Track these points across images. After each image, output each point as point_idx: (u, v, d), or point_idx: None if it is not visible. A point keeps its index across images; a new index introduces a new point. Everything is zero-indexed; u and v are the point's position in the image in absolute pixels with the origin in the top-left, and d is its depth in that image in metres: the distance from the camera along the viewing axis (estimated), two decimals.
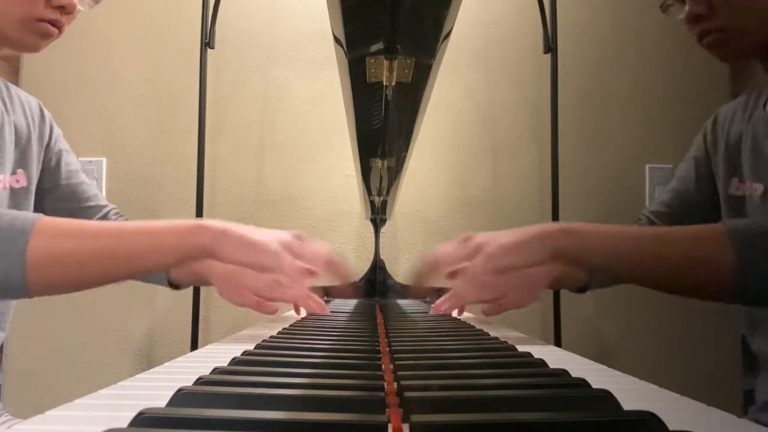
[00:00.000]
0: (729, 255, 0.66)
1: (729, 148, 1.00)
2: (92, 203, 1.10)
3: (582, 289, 1.03)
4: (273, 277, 0.90)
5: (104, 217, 1.12)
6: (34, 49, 0.90)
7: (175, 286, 1.04)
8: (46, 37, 0.89)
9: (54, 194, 1.06)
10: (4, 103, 0.98)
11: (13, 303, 1.03)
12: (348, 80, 0.71)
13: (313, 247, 0.78)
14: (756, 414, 0.97)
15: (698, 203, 1.07)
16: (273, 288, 0.91)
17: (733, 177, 0.99)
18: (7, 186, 0.97)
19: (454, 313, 1.01)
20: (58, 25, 0.89)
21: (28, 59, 1.86)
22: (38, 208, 1.04)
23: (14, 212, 0.69)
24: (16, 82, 1.87)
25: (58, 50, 1.87)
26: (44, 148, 1.05)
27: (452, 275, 0.89)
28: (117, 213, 1.15)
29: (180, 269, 1.01)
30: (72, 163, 1.10)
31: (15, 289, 0.66)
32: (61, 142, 1.09)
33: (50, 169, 1.06)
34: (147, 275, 0.90)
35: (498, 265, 0.71)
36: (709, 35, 0.87)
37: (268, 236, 0.73)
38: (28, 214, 0.69)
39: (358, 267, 1.83)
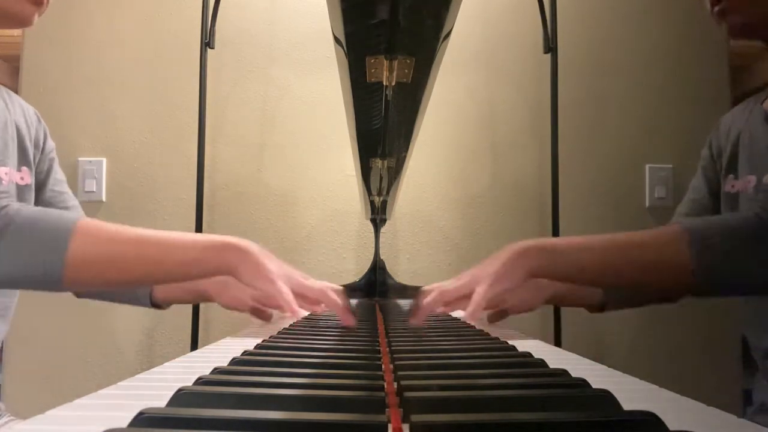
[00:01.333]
0: (687, 254, 0.70)
1: (729, 148, 1.02)
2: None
3: (600, 309, 1.04)
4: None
5: None
6: (28, 20, 0.91)
7: (157, 306, 1.06)
8: (39, 4, 0.90)
9: (38, 199, 1.08)
10: (5, 103, 0.99)
11: (16, 298, 1.04)
12: (348, 80, 0.71)
13: (311, 285, 0.81)
14: (753, 416, 0.97)
15: (714, 208, 1.08)
16: (267, 296, 0.93)
17: (729, 175, 1.00)
18: (14, 181, 0.98)
19: (454, 313, 1.01)
20: None
21: (28, 59, 1.86)
22: None
23: (57, 212, 0.76)
24: (16, 82, 1.87)
25: (58, 50, 1.88)
26: (40, 152, 1.07)
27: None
28: None
29: (171, 287, 1.04)
30: (59, 172, 1.12)
31: (51, 282, 0.71)
32: (53, 153, 1.11)
33: (42, 174, 1.08)
34: (175, 282, 0.92)
35: (493, 296, 0.75)
36: (720, 3, 0.88)
37: (278, 267, 0.77)
38: (70, 215, 0.75)
39: (358, 267, 1.83)
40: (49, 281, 0.71)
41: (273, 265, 0.77)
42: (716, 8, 0.90)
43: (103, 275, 0.74)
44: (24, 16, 0.90)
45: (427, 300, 0.78)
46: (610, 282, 0.79)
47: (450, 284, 0.79)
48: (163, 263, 0.75)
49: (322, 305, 0.86)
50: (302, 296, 0.80)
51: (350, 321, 0.80)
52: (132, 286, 0.78)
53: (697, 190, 1.12)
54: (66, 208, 1.11)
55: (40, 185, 1.08)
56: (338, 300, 0.80)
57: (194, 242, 0.77)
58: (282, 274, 0.77)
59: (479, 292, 0.73)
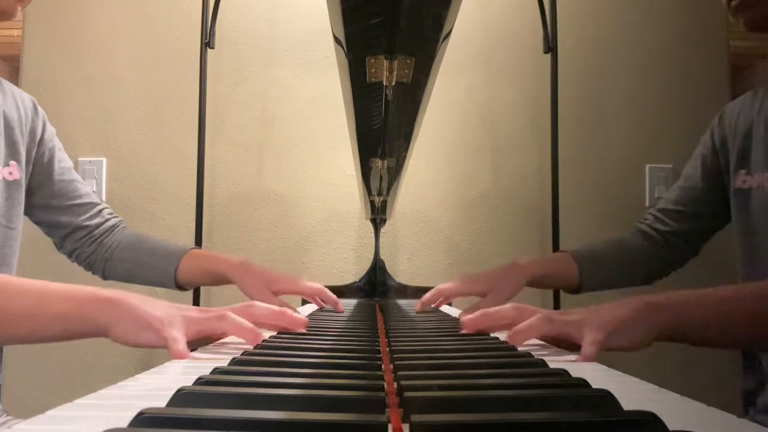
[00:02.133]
0: None
1: (737, 140, 1.00)
2: (84, 201, 1.11)
3: (575, 291, 1.04)
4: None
5: (98, 214, 1.12)
6: (11, 13, 0.90)
7: (181, 287, 1.07)
8: None
9: (45, 190, 1.07)
10: None
11: None
12: (348, 80, 0.71)
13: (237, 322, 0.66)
14: (755, 416, 0.96)
15: (706, 199, 1.07)
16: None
17: (741, 170, 0.99)
18: (1, 178, 0.96)
19: (454, 313, 1.01)
20: None
21: (28, 59, 1.86)
22: (28, 204, 1.04)
23: None
24: (16, 82, 1.87)
25: (58, 50, 1.88)
26: (37, 143, 1.04)
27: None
28: (111, 213, 1.16)
29: (194, 269, 1.06)
30: (65, 160, 1.10)
31: None
32: (54, 140, 1.09)
33: (42, 165, 1.06)
34: (37, 341, 0.75)
35: (606, 345, 0.62)
36: None
37: (166, 312, 0.64)
38: None
39: (358, 267, 1.83)
40: None
41: (159, 310, 0.63)
42: (733, 3, 0.89)
43: None
44: (6, 9, 0.90)
45: (524, 328, 0.65)
46: (729, 337, 0.69)
47: (546, 317, 0.65)
48: (36, 317, 0.65)
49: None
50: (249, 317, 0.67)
51: (252, 339, 0.65)
52: (13, 342, 0.68)
53: (691, 179, 1.10)
54: (79, 196, 1.10)
55: (45, 177, 1.06)
56: (243, 325, 0.65)
57: (45, 292, 0.65)
58: (176, 319, 0.63)
59: (590, 341, 0.60)
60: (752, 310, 0.66)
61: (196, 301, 1.68)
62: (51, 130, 1.08)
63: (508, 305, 0.72)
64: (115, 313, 0.63)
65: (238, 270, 1.05)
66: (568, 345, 0.65)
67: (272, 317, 0.72)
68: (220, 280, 1.08)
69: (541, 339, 0.69)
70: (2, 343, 0.68)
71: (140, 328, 0.61)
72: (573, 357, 0.61)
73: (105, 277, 1.14)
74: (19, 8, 0.91)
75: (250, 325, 0.65)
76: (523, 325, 0.65)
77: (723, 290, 0.68)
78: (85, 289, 0.65)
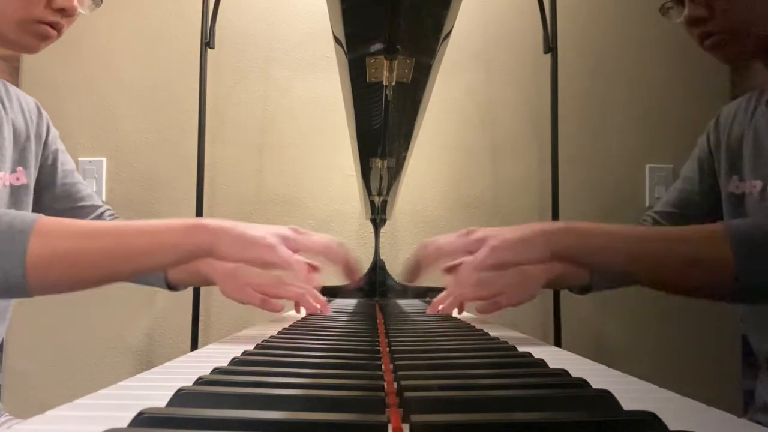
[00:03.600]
0: (728, 255, 0.66)
1: (730, 146, 1.01)
2: (87, 203, 1.11)
3: (584, 290, 1.03)
4: (276, 275, 0.89)
5: (98, 217, 1.12)
6: (33, 50, 0.90)
7: (172, 287, 1.04)
8: (45, 39, 0.89)
9: (49, 193, 1.07)
10: (2, 102, 0.98)
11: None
12: (348, 80, 0.71)
13: (311, 237, 0.76)
14: (755, 415, 0.97)
15: (702, 202, 1.07)
16: (276, 285, 0.91)
17: (733, 175, 0.99)
18: (8, 184, 0.97)
19: (454, 313, 1.01)
20: (57, 28, 0.89)
21: (28, 59, 1.86)
22: (35, 207, 1.05)
23: (14, 212, 0.69)
24: (16, 82, 1.87)
25: (58, 50, 1.87)
26: (42, 146, 1.05)
27: (450, 270, 0.89)
28: (111, 214, 1.16)
29: (179, 270, 1.01)
30: (67, 162, 1.10)
31: (15, 289, 0.66)
32: (57, 142, 1.09)
33: (47, 168, 1.06)
34: (147, 275, 0.89)
35: (500, 259, 0.70)
36: (710, 38, 0.87)
37: (265, 231, 0.72)
38: (27, 214, 0.69)
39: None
40: (13, 288, 0.66)
41: (257, 231, 0.70)
42: (706, 43, 0.89)
43: (72, 274, 0.69)
44: (31, 48, 0.90)
45: (424, 253, 0.73)
46: (643, 274, 0.72)
47: (453, 236, 0.73)
48: (134, 253, 0.69)
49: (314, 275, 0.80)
50: (301, 251, 0.75)
51: (356, 277, 0.74)
52: (107, 282, 0.72)
53: (688, 181, 1.10)
54: (81, 198, 1.09)
55: (49, 179, 1.06)
56: (343, 254, 0.75)
57: (165, 226, 0.70)
58: (268, 234, 0.71)
59: (486, 249, 0.67)
60: (668, 251, 0.69)
61: (195, 299, 1.68)
62: (54, 132, 1.09)
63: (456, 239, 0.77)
64: (214, 235, 0.69)
65: (221, 275, 0.98)
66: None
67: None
68: (206, 281, 1.06)
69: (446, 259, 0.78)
70: (123, 278, 0.76)
71: (241, 245, 0.69)
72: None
73: None
74: (42, 46, 0.90)
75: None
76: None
77: (635, 228, 0.73)
78: (182, 220, 0.71)
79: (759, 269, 0.66)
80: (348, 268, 0.77)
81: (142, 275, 0.86)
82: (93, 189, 1.81)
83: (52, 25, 0.88)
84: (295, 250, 0.74)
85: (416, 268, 0.75)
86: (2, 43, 0.90)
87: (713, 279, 0.69)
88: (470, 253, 0.71)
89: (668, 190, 1.15)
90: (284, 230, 0.74)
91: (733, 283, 0.67)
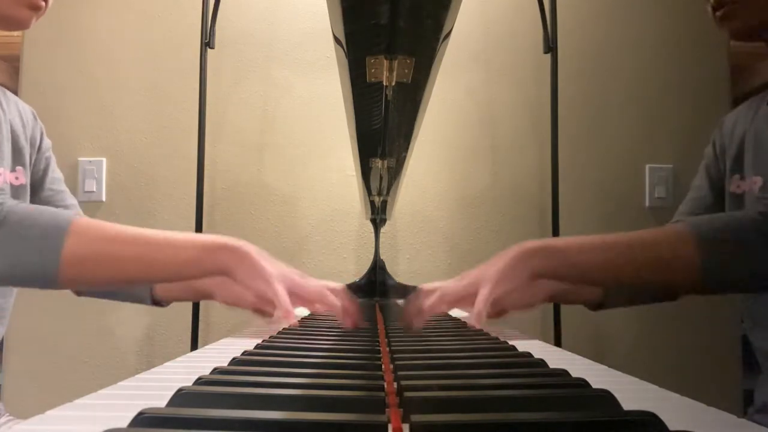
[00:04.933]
0: (693, 252, 0.70)
1: (732, 147, 1.01)
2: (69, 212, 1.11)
3: (598, 307, 1.04)
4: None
5: None
6: (25, 24, 0.91)
7: (157, 303, 1.04)
8: (36, 9, 0.90)
9: (35, 198, 1.08)
10: (0, 101, 0.99)
11: (12, 299, 1.04)
12: (348, 80, 0.71)
13: (306, 286, 0.79)
14: (754, 415, 0.97)
15: (716, 208, 1.08)
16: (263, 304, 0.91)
17: (735, 175, 1.00)
18: (8, 181, 0.98)
19: (453, 313, 1.01)
20: None
21: (28, 59, 1.86)
22: None
23: (53, 209, 0.75)
24: (16, 83, 1.87)
25: (58, 50, 1.88)
26: (36, 151, 1.07)
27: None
28: None
29: (174, 285, 1.03)
30: (56, 171, 1.12)
31: (47, 282, 0.71)
32: (50, 152, 1.11)
33: (38, 174, 1.08)
34: (171, 281, 0.89)
35: (497, 296, 0.73)
36: (723, 7, 0.88)
37: (277, 270, 0.76)
38: (64, 213, 0.75)
39: (358, 267, 1.83)
40: (44, 279, 0.71)
41: (269, 265, 0.75)
42: (718, 13, 0.90)
43: (99, 274, 0.74)
44: (21, 19, 0.91)
45: (429, 302, 0.77)
46: (615, 281, 0.78)
47: (452, 284, 0.78)
48: (158, 263, 0.74)
49: (319, 306, 0.84)
50: (299, 297, 0.79)
51: (349, 322, 0.78)
52: (128, 285, 0.77)
53: (699, 189, 1.11)
54: (64, 206, 1.10)
55: (37, 184, 1.08)
56: (336, 301, 0.79)
57: (191, 242, 0.76)
58: (278, 275, 0.75)
59: (483, 294, 0.72)
60: (637, 257, 0.74)
61: (195, 311, 1.68)
62: (47, 142, 1.11)
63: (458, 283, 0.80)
64: (238, 258, 0.74)
65: (223, 288, 0.98)
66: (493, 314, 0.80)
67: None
68: (202, 296, 1.05)
69: (449, 307, 0.80)
70: (131, 284, 0.85)
71: (255, 277, 0.73)
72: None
73: (78, 294, 1.05)
74: (35, 19, 0.91)
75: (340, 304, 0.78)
76: (424, 306, 0.75)
77: (614, 236, 0.76)
78: (209, 237, 0.77)
79: (720, 261, 0.71)
80: (344, 314, 0.80)
81: (165, 282, 0.89)
82: (93, 188, 1.82)
83: None
84: (291, 293, 0.77)
85: (420, 315, 0.77)
86: None
87: (680, 277, 0.73)
88: (470, 295, 0.74)
89: (683, 203, 1.16)
90: (290, 272, 0.78)
91: (697, 280, 0.71)
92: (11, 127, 1.00)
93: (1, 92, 1.02)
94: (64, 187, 1.13)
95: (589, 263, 0.74)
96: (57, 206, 1.10)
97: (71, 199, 1.13)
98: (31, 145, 1.05)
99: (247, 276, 0.74)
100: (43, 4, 0.91)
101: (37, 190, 1.08)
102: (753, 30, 0.91)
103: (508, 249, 0.75)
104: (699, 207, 1.10)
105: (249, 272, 0.74)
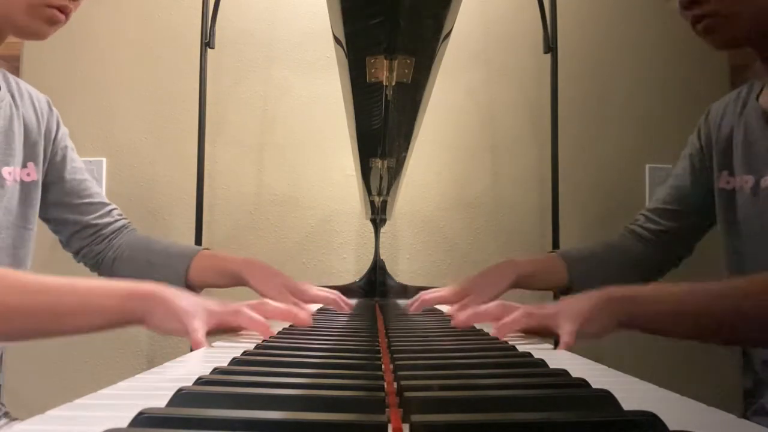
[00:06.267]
0: None
1: (720, 141, 1.01)
2: (94, 200, 1.12)
3: (566, 291, 1.04)
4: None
5: (107, 214, 1.13)
6: (41, 35, 0.91)
7: (191, 288, 1.06)
8: (54, 23, 0.89)
9: (58, 188, 1.08)
10: (13, 98, 0.99)
11: None
12: (348, 80, 0.71)
13: (267, 307, 0.76)
14: (752, 416, 0.97)
15: (695, 198, 1.08)
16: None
17: (723, 170, 1.00)
18: (18, 179, 0.99)
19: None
20: (65, 12, 0.89)
21: (28, 59, 1.86)
22: (43, 203, 1.06)
23: None
24: None
25: (58, 50, 1.87)
26: (51, 142, 1.07)
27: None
28: (120, 214, 1.17)
29: (207, 269, 1.07)
30: (77, 160, 1.12)
31: None
32: (67, 140, 1.11)
33: (56, 164, 1.08)
34: (79, 334, 0.79)
35: (578, 338, 0.72)
36: (703, 21, 0.87)
37: (197, 307, 0.71)
38: None
39: (358, 267, 1.83)
40: None
41: (186, 302, 0.71)
42: (698, 26, 0.88)
43: (18, 328, 0.68)
44: (40, 33, 0.90)
45: (511, 318, 0.73)
46: (709, 333, 0.76)
47: (526, 312, 0.73)
48: (52, 311, 0.69)
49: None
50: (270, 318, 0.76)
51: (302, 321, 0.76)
52: (33, 338, 0.73)
53: (680, 178, 1.11)
54: (89, 196, 1.11)
55: (58, 175, 1.08)
56: (307, 316, 0.77)
57: (98, 289, 0.71)
58: (199, 311, 0.71)
59: (567, 331, 0.70)
60: (705, 307, 0.73)
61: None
62: (64, 130, 1.11)
63: (493, 303, 0.80)
64: (151, 304, 0.70)
65: (254, 270, 1.06)
66: (547, 334, 0.76)
67: (282, 316, 0.79)
68: (234, 280, 1.09)
69: (523, 331, 0.78)
70: (52, 335, 0.74)
71: (170, 318, 0.69)
72: (550, 346, 0.71)
73: (112, 277, 1.12)
74: (51, 31, 0.90)
75: (262, 319, 0.73)
76: (507, 319, 0.73)
77: (682, 286, 0.75)
78: (123, 284, 0.72)
79: None
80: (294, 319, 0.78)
81: (75, 334, 0.78)
82: None
83: (60, 9, 0.88)
84: (265, 317, 0.75)
85: (502, 329, 0.73)
86: (12, 29, 0.90)
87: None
88: (546, 328, 0.73)
89: (659, 188, 1.16)
90: (212, 305, 0.73)
91: None
92: (24, 121, 1.00)
93: (15, 83, 1.01)
94: (86, 175, 1.12)
95: (659, 314, 0.75)
96: (82, 197, 1.10)
97: (96, 188, 1.13)
98: (46, 136, 1.05)
99: (159, 319, 0.70)
100: (63, 18, 0.89)
101: (58, 181, 1.08)
102: (737, 41, 0.89)
103: (593, 292, 0.74)
104: (677, 197, 1.10)
105: (161, 315, 0.69)
